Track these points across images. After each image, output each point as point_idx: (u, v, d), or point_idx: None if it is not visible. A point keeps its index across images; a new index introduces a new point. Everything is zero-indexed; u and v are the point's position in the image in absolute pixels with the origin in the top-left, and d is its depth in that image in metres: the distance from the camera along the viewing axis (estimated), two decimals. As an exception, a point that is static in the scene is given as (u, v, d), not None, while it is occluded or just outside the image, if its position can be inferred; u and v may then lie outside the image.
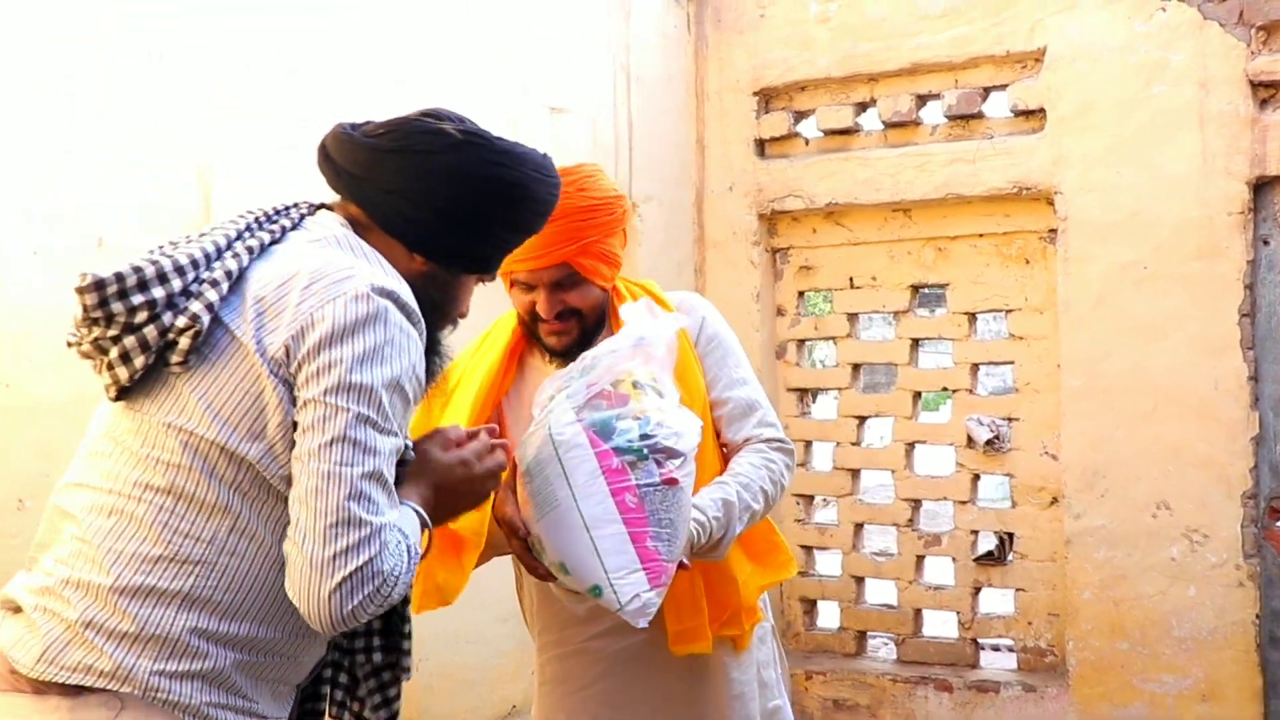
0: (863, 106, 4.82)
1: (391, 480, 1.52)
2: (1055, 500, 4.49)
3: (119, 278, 1.48)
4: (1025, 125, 4.52)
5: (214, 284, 1.52)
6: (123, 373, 1.51)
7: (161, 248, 1.59)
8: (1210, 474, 4.14)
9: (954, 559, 4.74)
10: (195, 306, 1.50)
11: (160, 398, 1.52)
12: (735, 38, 4.93)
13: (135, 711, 1.46)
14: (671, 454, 1.86)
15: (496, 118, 3.67)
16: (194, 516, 1.50)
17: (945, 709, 4.55)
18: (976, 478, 4.74)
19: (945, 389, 4.86)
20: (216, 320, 1.52)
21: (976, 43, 4.50)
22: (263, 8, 2.78)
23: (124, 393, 1.54)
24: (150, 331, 1.50)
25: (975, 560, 4.70)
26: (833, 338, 5.01)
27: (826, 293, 5.13)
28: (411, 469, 1.66)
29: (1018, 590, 4.61)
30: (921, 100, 4.69)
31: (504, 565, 2.32)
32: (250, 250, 1.58)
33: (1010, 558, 4.66)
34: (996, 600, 4.97)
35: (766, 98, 4.95)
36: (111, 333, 1.51)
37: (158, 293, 1.49)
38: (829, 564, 5.13)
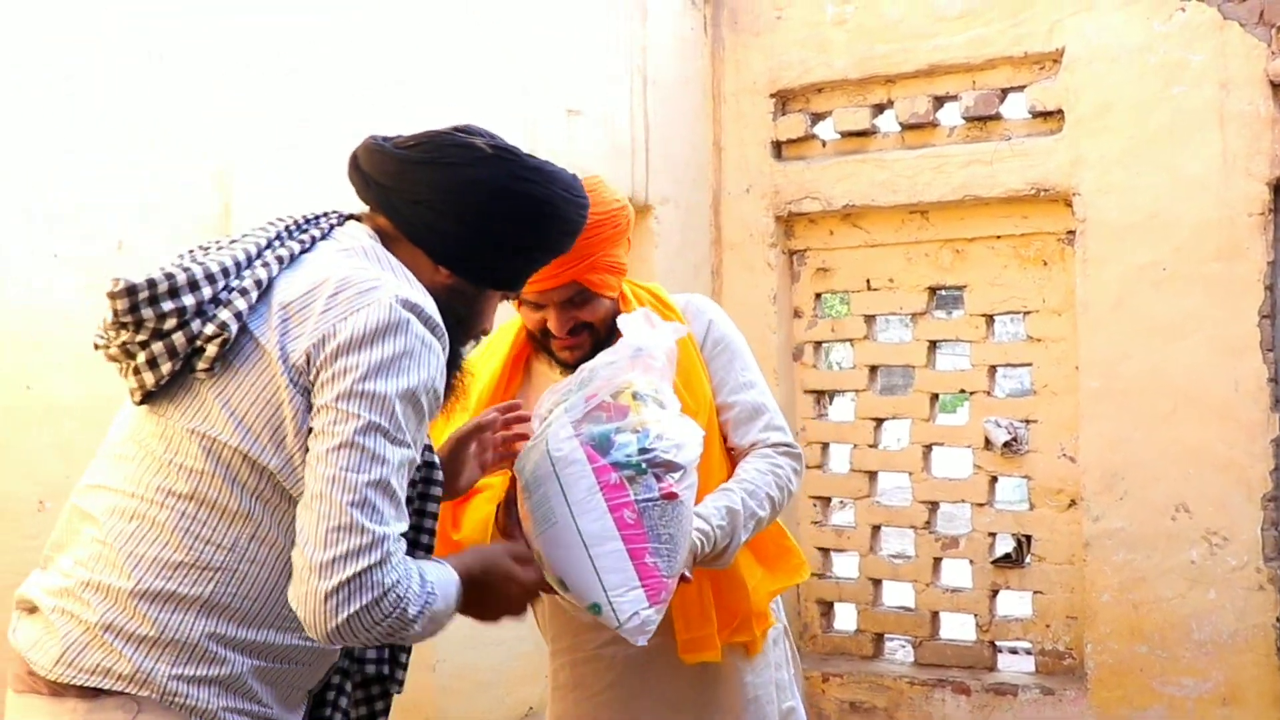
0: (880, 108, 4.81)
1: (402, 492, 1.51)
2: (1074, 502, 4.47)
3: (151, 284, 1.49)
4: (1043, 126, 4.50)
5: (243, 293, 1.53)
6: (149, 378, 1.52)
7: (192, 253, 1.60)
8: (1230, 476, 4.11)
9: (972, 561, 4.73)
10: (224, 315, 1.50)
11: (185, 403, 1.53)
12: (752, 39, 4.93)
13: (152, 715, 1.47)
14: (671, 467, 1.82)
15: (512, 120, 3.68)
16: (215, 523, 1.50)
17: (963, 712, 4.54)
18: (994, 480, 4.73)
19: (963, 391, 4.84)
20: (244, 328, 1.52)
21: (994, 44, 4.48)
22: (263, 8, 2.79)
23: (148, 397, 1.54)
24: (178, 338, 1.50)
25: (993, 563, 4.68)
26: (850, 340, 5.00)
27: (844, 295, 5.12)
28: (475, 550, 1.71)
29: (1036, 593, 4.59)
30: (939, 102, 4.68)
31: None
32: (280, 259, 1.59)
33: (1028, 560, 4.64)
34: (1014, 603, 4.95)
35: (783, 99, 4.95)
36: (140, 338, 1.51)
37: (188, 300, 1.50)
38: (846, 566, 5.12)
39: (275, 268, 1.57)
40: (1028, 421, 4.63)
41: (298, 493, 1.51)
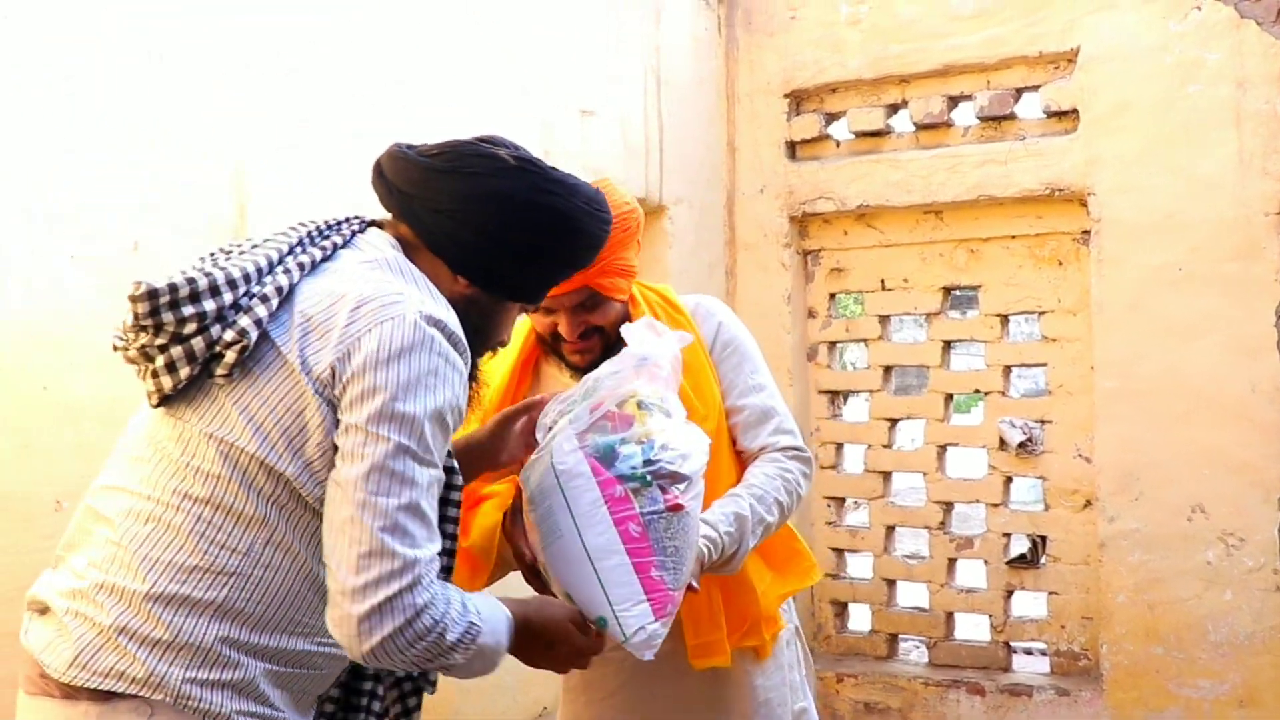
0: (894, 108, 4.81)
1: (433, 513, 1.52)
2: (1089, 503, 4.46)
3: (172, 288, 1.49)
4: (1058, 126, 4.49)
5: (264, 299, 1.53)
6: (166, 381, 1.52)
7: (214, 257, 1.60)
8: (1246, 477, 4.09)
9: (986, 562, 4.72)
10: (244, 322, 1.50)
11: (202, 407, 1.53)
12: (766, 40, 4.93)
13: (164, 718, 1.47)
14: (677, 479, 1.80)
15: (527, 121, 3.68)
16: (231, 528, 1.51)
17: (977, 712, 4.53)
18: (1009, 480, 4.72)
19: (978, 391, 4.83)
20: (264, 335, 1.53)
21: (1009, 44, 4.47)
22: (263, 8, 2.79)
23: (166, 400, 1.55)
24: (198, 343, 1.51)
25: (1008, 563, 4.67)
26: (864, 340, 5.00)
27: (858, 295, 5.12)
28: (538, 601, 1.74)
29: (1050, 593, 4.58)
30: (953, 101, 4.67)
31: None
32: (301, 266, 1.59)
33: (1043, 561, 4.63)
34: (1029, 603, 4.94)
35: (797, 100, 4.95)
36: (159, 341, 1.51)
37: (208, 305, 1.50)
38: (860, 566, 5.12)
39: (296, 274, 1.57)
40: (1043, 422, 4.62)
41: (314, 499, 1.51)
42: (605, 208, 1.75)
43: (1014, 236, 4.62)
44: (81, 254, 2.40)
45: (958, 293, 4.93)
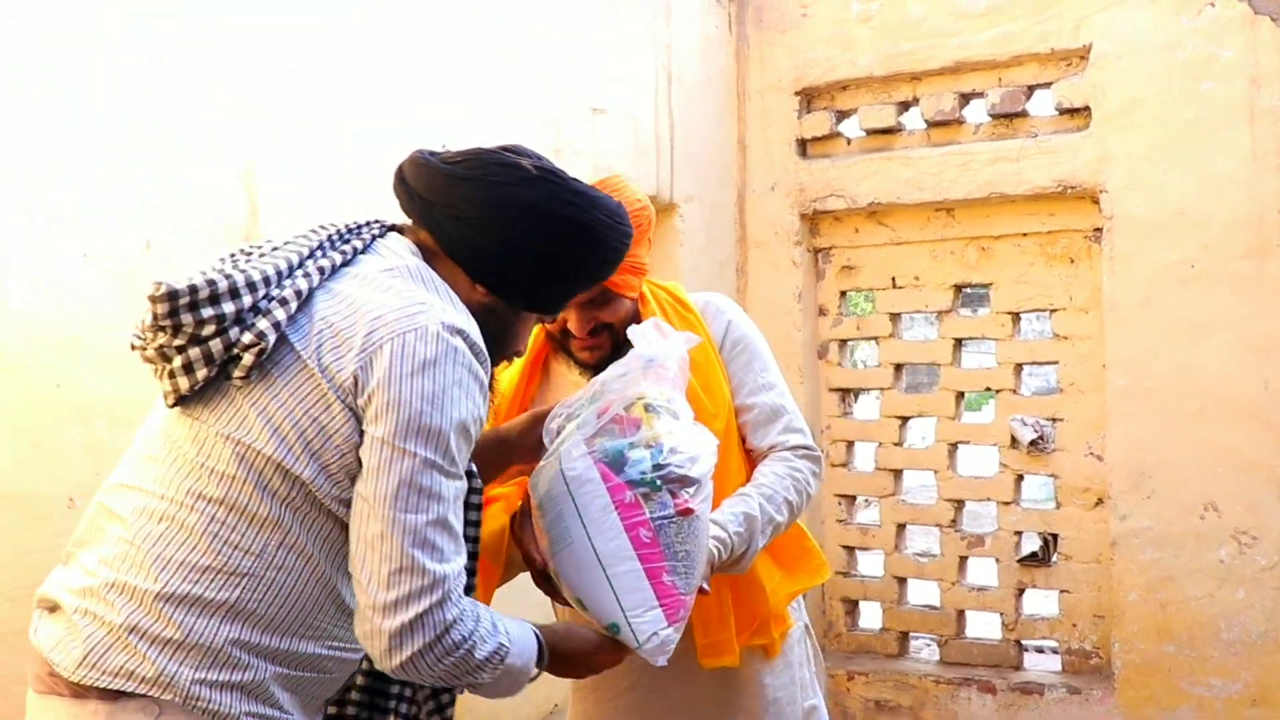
0: (905, 106, 4.80)
1: (459, 525, 1.54)
2: (1100, 501, 4.45)
3: (192, 289, 1.49)
4: (1070, 123, 4.48)
5: (283, 302, 1.53)
6: (183, 382, 1.52)
7: (234, 259, 1.60)
8: (1259, 475, 4.08)
9: (997, 560, 4.71)
10: (262, 324, 1.50)
11: (219, 408, 1.53)
12: (777, 37, 4.92)
13: (173, 718, 1.47)
14: (686, 482, 1.79)
15: (537, 119, 3.68)
16: (244, 529, 1.51)
17: (988, 711, 4.52)
18: (1020, 478, 4.71)
19: (989, 389, 4.82)
20: (282, 339, 1.53)
21: (1020, 40, 4.46)
22: (263, 8, 2.79)
23: (182, 400, 1.54)
24: (216, 345, 1.50)
25: (1019, 561, 4.66)
26: (875, 338, 5.00)
27: (869, 293, 5.11)
28: (568, 627, 1.78)
29: (1062, 592, 4.57)
30: (964, 99, 4.66)
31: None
32: (321, 270, 1.58)
33: (1054, 559, 4.62)
34: (1040, 602, 4.93)
35: (808, 97, 4.94)
36: (177, 342, 1.51)
37: (228, 308, 1.50)
38: (871, 564, 5.11)
39: (316, 278, 1.57)
40: (1054, 420, 4.61)
41: (330, 503, 1.52)
42: (626, 221, 1.75)
43: (1025, 234, 4.61)
44: (94, 253, 2.41)
45: (969, 290, 4.92)
